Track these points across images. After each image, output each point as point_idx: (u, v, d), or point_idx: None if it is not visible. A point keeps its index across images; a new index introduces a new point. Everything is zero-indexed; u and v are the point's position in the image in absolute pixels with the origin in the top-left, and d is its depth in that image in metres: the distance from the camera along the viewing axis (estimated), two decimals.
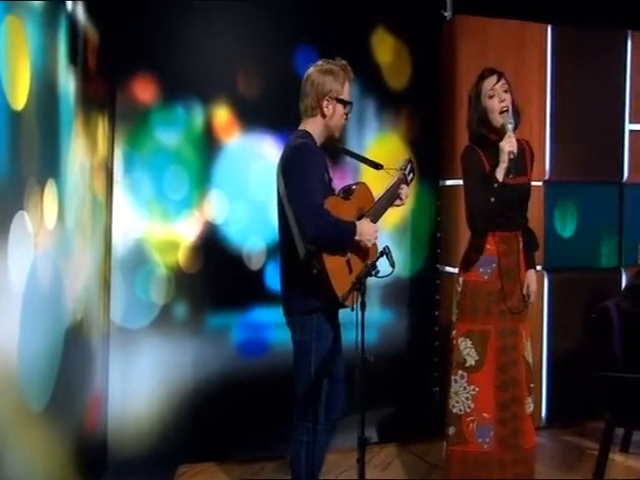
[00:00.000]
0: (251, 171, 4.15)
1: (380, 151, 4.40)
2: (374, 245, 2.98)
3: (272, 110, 4.08)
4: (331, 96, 2.96)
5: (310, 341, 2.89)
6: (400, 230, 4.51)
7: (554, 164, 4.68)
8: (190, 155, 4.06)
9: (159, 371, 4.00)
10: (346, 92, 3.01)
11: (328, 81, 2.96)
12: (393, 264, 2.74)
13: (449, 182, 4.54)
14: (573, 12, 4.59)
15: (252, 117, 4.13)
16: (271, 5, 4.12)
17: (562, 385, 4.66)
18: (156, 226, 4.01)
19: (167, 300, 4.03)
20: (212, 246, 4.09)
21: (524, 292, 3.28)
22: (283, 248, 2.98)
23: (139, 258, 3.97)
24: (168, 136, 4.01)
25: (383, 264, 2.73)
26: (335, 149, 3.29)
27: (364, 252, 2.96)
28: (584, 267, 4.78)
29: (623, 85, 4.84)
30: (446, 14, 4.63)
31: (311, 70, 3.01)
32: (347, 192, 3.03)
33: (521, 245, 3.29)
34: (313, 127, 3.00)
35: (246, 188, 4.14)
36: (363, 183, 3.11)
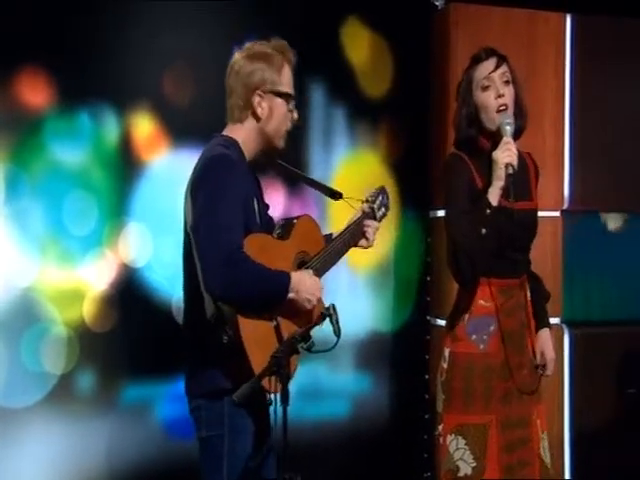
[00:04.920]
0: (181, 198, 3.59)
1: (352, 174, 4.06)
2: (319, 305, 2.40)
3: (209, 120, 3.42)
4: (265, 89, 2.46)
5: (221, 438, 2.34)
6: (380, 273, 4.24)
7: (574, 189, 4.31)
8: (99, 177, 3.69)
9: (56, 462, 3.54)
10: (286, 81, 2.52)
11: (259, 69, 2.47)
12: (338, 332, 2.22)
13: (441, 213, 4.07)
14: None
15: (183, 129, 3.77)
16: None
17: (589, 475, 4.24)
18: (52, 271, 3.60)
19: (67, 369, 3.60)
20: (130, 296, 3.73)
21: (538, 362, 2.79)
22: (187, 304, 2.51)
23: (27, 314, 3.56)
24: (68, 152, 3.61)
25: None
26: (279, 167, 2.80)
27: (303, 315, 2.41)
28: (614, 320, 4.36)
29: None
30: (437, 2, 4.32)
31: (236, 57, 2.52)
32: (285, 228, 2.53)
33: (528, 296, 2.80)
34: (241, 134, 2.50)
35: (175, 221, 3.53)
36: (307, 216, 2.63)
